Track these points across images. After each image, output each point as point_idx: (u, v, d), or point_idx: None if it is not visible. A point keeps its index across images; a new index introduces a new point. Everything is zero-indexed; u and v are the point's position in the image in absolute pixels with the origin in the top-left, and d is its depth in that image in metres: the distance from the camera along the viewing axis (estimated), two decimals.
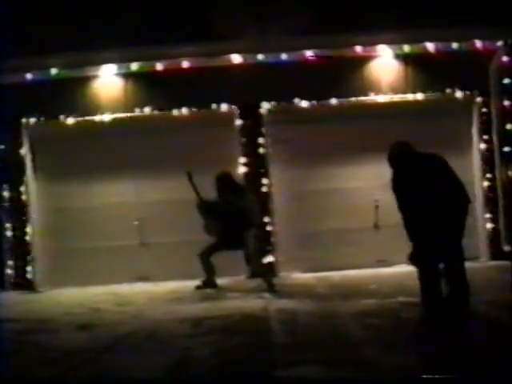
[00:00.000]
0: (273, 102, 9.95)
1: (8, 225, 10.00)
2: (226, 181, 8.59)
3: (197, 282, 8.83)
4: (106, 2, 9.14)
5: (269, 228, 9.93)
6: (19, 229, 10.00)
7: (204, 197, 8.56)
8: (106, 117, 9.96)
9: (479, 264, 9.77)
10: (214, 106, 9.95)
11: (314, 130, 9.92)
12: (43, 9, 9.18)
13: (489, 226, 10.00)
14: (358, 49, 9.81)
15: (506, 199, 9.95)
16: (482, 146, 10.05)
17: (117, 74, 10.02)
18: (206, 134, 9.77)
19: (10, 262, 9.99)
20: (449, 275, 6.12)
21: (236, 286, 8.83)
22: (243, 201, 8.47)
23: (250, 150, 9.93)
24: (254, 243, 8.60)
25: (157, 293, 8.87)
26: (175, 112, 9.98)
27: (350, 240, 9.84)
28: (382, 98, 9.98)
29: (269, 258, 9.88)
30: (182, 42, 9.19)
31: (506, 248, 9.88)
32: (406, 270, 9.60)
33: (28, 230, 10.03)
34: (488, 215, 10.00)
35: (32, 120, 10.01)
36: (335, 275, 9.45)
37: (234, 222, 8.43)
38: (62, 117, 9.95)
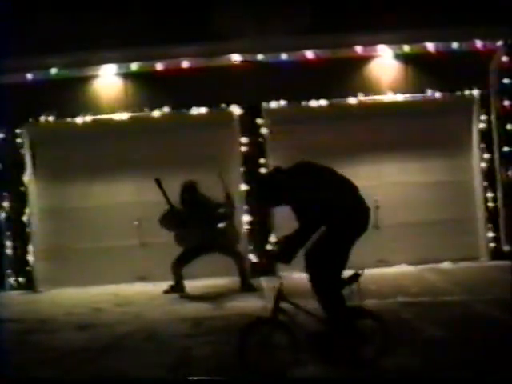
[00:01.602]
0: (273, 102, 9.94)
1: (8, 225, 9.99)
2: (192, 191, 8.63)
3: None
4: (105, 2, 9.13)
5: (269, 228, 9.92)
6: (19, 229, 10.00)
7: (175, 206, 8.58)
8: (106, 117, 9.96)
9: (479, 264, 9.78)
10: (214, 106, 9.94)
11: (314, 129, 9.90)
12: (43, 9, 9.17)
13: (489, 225, 9.99)
14: (358, 49, 9.81)
15: (505, 199, 9.95)
16: (482, 145, 10.04)
17: (117, 74, 10.01)
18: (206, 134, 9.77)
19: (10, 262, 9.99)
20: None
21: (235, 286, 8.83)
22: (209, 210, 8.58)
23: (250, 150, 9.92)
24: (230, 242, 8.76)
25: (157, 293, 8.87)
26: (175, 112, 9.97)
27: None
28: (381, 98, 9.97)
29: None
30: (182, 41, 9.19)
31: (506, 248, 9.88)
32: (406, 270, 9.67)
33: (28, 230, 10.03)
34: (488, 215, 9.99)
35: (32, 120, 10.00)
36: None
37: (207, 227, 8.54)
38: (62, 117, 9.94)
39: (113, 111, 9.95)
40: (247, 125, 9.93)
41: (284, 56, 9.83)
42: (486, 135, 10.03)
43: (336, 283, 5.02)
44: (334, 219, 5.05)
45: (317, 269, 5.05)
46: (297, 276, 9.65)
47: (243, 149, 9.90)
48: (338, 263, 5.04)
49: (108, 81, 10.02)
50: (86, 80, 9.97)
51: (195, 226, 8.55)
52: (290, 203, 5.26)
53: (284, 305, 5.03)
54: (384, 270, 9.54)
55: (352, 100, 9.91)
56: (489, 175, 10.00)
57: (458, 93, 9.97)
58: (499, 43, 9.85)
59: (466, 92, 9.98)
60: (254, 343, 4.89)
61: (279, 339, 4.90)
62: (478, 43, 9.81)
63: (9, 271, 9.98)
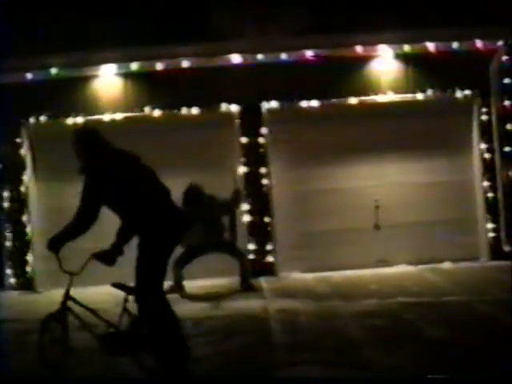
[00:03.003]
0: (273, 102, 9.94)
1: (8, 225, 9.99)
2: (197, 192, 8.67)
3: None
4: (105, 2, 9.13)
5: (269, 228, 9.92)
6: (19, 229, 9.99)
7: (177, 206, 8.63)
8: (106, 117, 9.95)
9: (479, 264, 9.77)
10: (214, 106, 9.94)
11: (314, 129, 9.90)
12: (43, 9, 9.17)
13: (489, 226, 9.99)
14: (358, 49, 9.81)
15: (506, 199, 9.94)
16: (483, 145, 10.04)
17: (117, 74, 10.01)
18: (206, 134, 9.76)
19: (10, 262, 9.99)
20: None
21: (235, 286, 8.82)
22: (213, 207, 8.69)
23: (250, 150, 9.92)
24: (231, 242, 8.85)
25: None
26: (175, 112, 9.97)
27: (350, 240, 9.83)
28: (381, 98, 9.97)
29: (269, 258, 9.87)
30: (182, 41, 9.19)
31: (506, 248, 9.87)
32: (406, 270, 9.67)
33: (28, 230, 10.02)
34: (488, 215, 9.99)
35: (32, 120, 10.00)
36: (335, 275, 9.45)
37: (211, 225, 8.60)
38: (62, 117, 9.93)
39: (113, 111, 9.95)
40: (247, 125, 9.93)
41: (284, 56, 9.83)
42: (486, 135, 10.03)
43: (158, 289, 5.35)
44: (153, 224, 5.26)
45: (143, 278, 5.38)
46: (296, 276, 9.70)
47: (243, 149, 9.90)
48: (159, 271, 5.39)
49: (108, 81, 10.01)
50: (86, 80, 9.96)
51: (198, 226, 8.56)
52: (102, 184, 5.31)
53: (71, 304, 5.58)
54: (384, 270, 9.55)
55: (352, 100, 9.91)
56: (489, 175, 10.00)
57: (459, 93, 9.97)
58: (499, 43, 9.84)
59: (467, 92, 9.98)
60: (47, 339, 5.31)
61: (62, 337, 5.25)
62: (478, 43, 9.80)
63: (8, 271, 9.99)
